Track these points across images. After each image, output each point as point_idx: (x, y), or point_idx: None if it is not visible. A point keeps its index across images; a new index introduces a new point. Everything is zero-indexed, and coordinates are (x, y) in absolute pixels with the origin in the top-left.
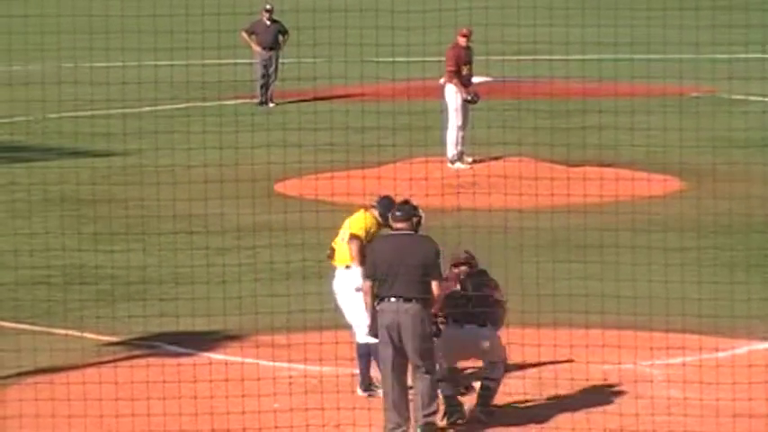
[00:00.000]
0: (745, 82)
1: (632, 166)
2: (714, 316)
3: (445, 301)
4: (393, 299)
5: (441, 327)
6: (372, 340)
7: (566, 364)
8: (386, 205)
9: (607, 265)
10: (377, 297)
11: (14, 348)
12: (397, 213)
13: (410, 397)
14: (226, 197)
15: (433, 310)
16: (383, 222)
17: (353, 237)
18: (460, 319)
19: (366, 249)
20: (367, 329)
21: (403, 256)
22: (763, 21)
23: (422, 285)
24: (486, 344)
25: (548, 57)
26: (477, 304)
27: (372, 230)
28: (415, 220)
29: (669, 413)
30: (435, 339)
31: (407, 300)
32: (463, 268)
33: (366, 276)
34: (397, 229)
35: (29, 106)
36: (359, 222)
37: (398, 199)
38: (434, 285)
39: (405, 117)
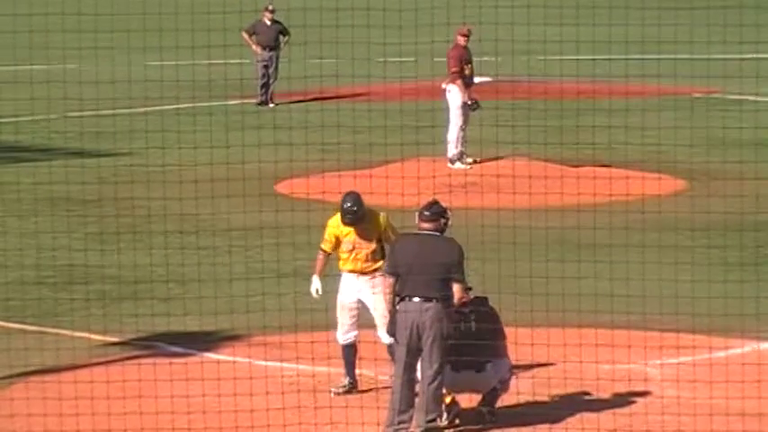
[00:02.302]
0: (739, 81)
1: (627, 166)
2: (708, 315)
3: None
4: (416, 299)
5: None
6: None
7: (559, 364)
8: (346, 202)
9: (601, 265)
10: (397, 296)
11: (5, 348)
12: (425, 213)
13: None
14: (225, 197)
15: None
16: (344, 221)
17: (319, 250)
18: (458, 365)
19: (389, 249)
20: (386, 328)
21: (426, 257)
22: (758, 20)
23: (443, 285)
24: (486, 383)
25: (542, 57)
26: (476, 342)
27: (337, 235)
28: (442, 221)
29: (663, 413)
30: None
31: (428, 299)
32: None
33: (387, 273)
34: (423, 230)
35: (33, 106)
36: (328, 229)
37: (402, 198)
38: (456, 287)
39: (404, 117)
